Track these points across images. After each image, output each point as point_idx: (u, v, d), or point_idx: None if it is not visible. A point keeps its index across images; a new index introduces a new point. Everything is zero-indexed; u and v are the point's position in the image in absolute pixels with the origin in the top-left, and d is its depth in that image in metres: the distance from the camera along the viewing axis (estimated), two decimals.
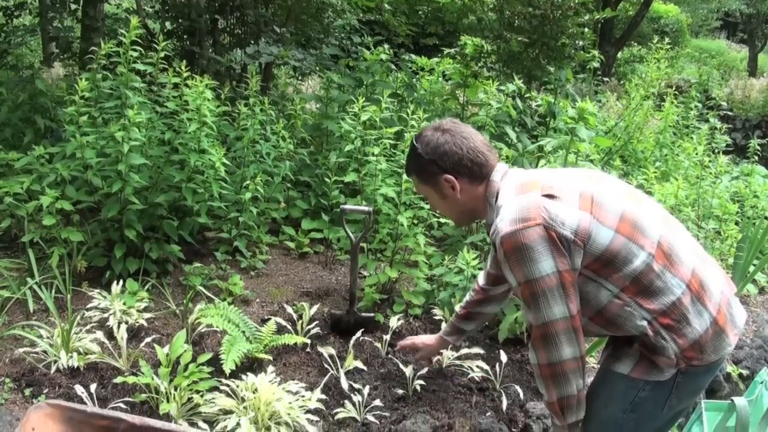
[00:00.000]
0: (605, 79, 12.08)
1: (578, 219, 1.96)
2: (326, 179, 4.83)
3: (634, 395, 2.08)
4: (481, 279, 2.72)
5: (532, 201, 1.99)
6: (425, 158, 2.20)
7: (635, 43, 17.74)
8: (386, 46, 6.52)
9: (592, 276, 2.00)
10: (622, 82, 13.05)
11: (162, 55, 4.19)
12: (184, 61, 4.28)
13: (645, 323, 1.99)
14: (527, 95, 5.65)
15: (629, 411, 2.10)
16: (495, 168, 2.21)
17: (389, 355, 3.60)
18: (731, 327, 2.09)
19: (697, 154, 6.53)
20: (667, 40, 7.98)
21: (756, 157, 7.26)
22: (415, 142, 2.26)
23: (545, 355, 2.02)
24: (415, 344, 3.04)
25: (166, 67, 4.31)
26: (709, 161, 6.32)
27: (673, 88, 7.64)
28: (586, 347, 2.06)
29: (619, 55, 16.05)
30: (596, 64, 5.81)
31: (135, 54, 3.96)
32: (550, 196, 1.99)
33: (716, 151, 7.26)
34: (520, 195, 2.04)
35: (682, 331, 1.99)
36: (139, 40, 3.98)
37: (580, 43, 5.98)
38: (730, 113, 11.73)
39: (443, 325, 3.12)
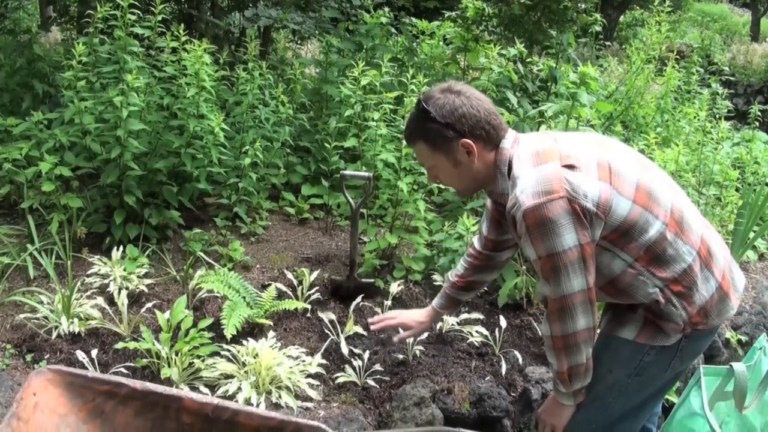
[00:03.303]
0: (607, 43, 11.96)
1: (599, 190, 1.92)
2: (326, 145, 4.80)
3: (639, 360, 2.08)
4: (477, 244, 2.54)
5: (553, 172, 1.92)
6: (440, 122, 2.05)
7: (638, 7, 17.53)
8: (386, 8, 6.44)
9: (608, 246, 1.98)
10: (624, 46, 12.92)
11: (160, 18, 4.14)
12: (182, 25, 4.23)
13: (657, 291, 1.99)
14: (529, 59, 5.59)
15: (634, 375, 2.11)
16: (506, 133, 2.13)
17: None
18: (733, 291, 2.11)
19: (698, 119, 6.49)
20: (668, 2, 7.87)
21: (757, 123, 7.21)
22: (425, 105, 2.08)
23: (560, 327, 1.99)
24: (404, 323, 2.72)
25: (164, 30, 4.26)
26: (711, 127, 6.28)
27: (675, 53, 7.56)
28: (598, 316, 2.05)
29: (622, 18, 15.89)
30: (598, 28, 5.73)
31: (132, 17, 3.92)
32: (570, 167, 1.93)
33: (718, 116, 7.21)
34: (539, 165, 1.97)
35: (691, 297, 2.00)
36: (136, 3, 3.94)
37: (583, 5, 5.90)
38: (732, 78, 11.63)
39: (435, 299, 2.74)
